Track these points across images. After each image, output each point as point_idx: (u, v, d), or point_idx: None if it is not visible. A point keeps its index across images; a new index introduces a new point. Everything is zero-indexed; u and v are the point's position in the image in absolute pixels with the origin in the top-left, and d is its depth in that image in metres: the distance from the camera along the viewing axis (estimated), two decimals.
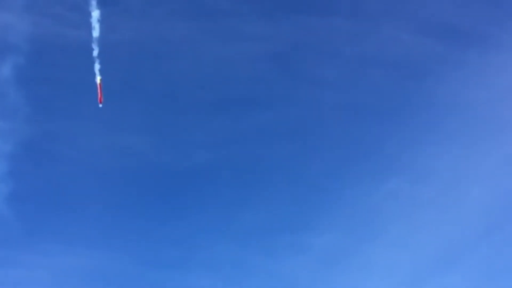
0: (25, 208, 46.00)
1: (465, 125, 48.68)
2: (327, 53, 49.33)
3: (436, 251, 46.23)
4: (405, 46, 49.89)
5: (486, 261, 44.63)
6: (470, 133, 48.42)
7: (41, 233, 44.49)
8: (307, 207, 48.17)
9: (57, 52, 44.50)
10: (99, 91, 35.73)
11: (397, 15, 50.27)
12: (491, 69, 48.88)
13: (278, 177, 48.45)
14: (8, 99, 41.95)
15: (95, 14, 32.64)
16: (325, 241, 47.56)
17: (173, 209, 47.83)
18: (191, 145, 47.89)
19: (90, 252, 46.00)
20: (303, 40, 49.64)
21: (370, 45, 50.02)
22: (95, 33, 33.02)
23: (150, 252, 47.86)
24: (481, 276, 44.28)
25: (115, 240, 46.38)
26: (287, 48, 49.73)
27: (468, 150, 47.85)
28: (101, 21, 33.51)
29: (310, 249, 47.82)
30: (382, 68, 49.35)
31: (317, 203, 48.15)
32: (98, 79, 36.09)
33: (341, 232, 47.32)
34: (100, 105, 36.35)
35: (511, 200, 45.56)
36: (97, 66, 35.47)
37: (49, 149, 45.00)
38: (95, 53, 34.32)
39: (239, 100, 49.01)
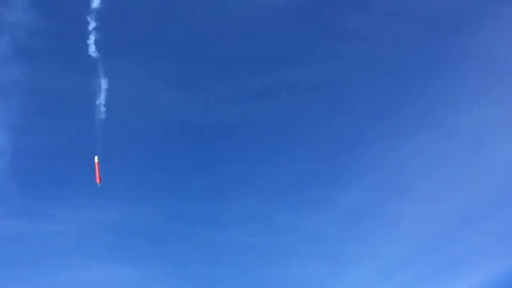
0: (55, 163, 46.71)
1: (496, 81, 47.31)
2: (355, 5, 47.95)
3: (464, 207, 45.86)
4: None
5: None
6: (502, 89, 47.16)
7: (71, 188, 45.15)
8: (334, 163, 47.97)
9: None
10: (97, 171, 36.35)
11: None
12: None
13: (305, 133, 48.00)
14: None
15: None
16: (352, 198, 47.51)
17: (201, 164, 48.08)
18: (218, 101, 47.55)
19: (119, 207, 46.93)
20: None
21: None
22: None
23: (178, 207, 48.53)
24: (510, 233, 44.03)
25: (144, 194, 47.06)
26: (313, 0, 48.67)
27: (499, 107, 46.74)
28: None
29: (337, 206, 47.89)
30: (412, 21, 47.85)
31: (344, 159, 47.85)
32: (96, 158, 36.75)
33: (368, 188, 47.13)
34: (99, 184, 36.70)
35: None
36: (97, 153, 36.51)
37: (77, 104, 44.99)
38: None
39: (265, 54, 48.07)
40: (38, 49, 43.91)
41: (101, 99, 38.53)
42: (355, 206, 47.41)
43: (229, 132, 48.38)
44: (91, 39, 37.31)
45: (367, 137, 47.62)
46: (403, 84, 48.00)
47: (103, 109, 38.77)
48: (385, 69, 48.19)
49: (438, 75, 47.92)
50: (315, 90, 48.42)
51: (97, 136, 39.99)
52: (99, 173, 36.29)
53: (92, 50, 37.50)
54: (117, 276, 48.04)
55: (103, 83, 38.00)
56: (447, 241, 46.34)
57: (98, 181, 36.61)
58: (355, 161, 47.72)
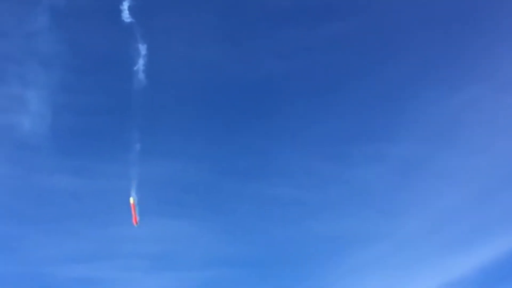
0: (107, 121, 47.75)
1: None
2: None
3: None
4: None
5: None
6: None
7: (122, 145, 46.10)
8: (382, 116, 47.81)
9: None
10: (133, 212, 37.74)
11: None
12: None
13: (353, 86, 47.78)
14: None
15: None
16: (402, 150, 47.48)
17: (249, 119, 48.69)
18: (264, 55, 47.50)
19: (170, 164, 47.97)
20: None
21: None
22: None
23: (227, 162, 49.43)
24: None
25: (193, 151, 47.87)
26: None
27: None
28: None
29: (386, 159, 48.07)
30: None
31: (393, 112, 47.72)
32: (131, 199, 37.90)
33: (418, 141, 47.00)
34: (136, 225, 38.15)
35: None
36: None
37: (119, 66, 45.69)
38: None
39: (311, 8, 47.75)
40: (76, 19, 44.87)
41: (143, 59, 39.33)
42: (404, 159, 47.60)
43: (276, 86, 48.43)
44: (125, 5, 37.90)
45: (417, 89, 47.25)
46: (454, 35, 47.12)
47: (146, 68, 39.66)
48: (435, 20, 47.28)
49: (490, 26, 46.90)
50: (361, 44, 47.73)
51: (140, 94, 41.03)
52: (135, 215, 38.09)
53: (126, 16, 37.87)
54: (168, 230, 49.71)
55: (143, 46, 38.83)
56: (499, 193, 46.41)
57: (134, 223, 38.49)
58: (405, 113, 47.55)
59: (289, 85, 48.05)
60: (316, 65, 47.84)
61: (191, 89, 47.50)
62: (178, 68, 46.60)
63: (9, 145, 46.23)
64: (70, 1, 42.91)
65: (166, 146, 46.14)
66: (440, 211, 47.13)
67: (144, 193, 46.81)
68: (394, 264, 49.50)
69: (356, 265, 49.30)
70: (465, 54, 46.86)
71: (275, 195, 49.14)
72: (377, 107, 47.77)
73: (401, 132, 47.08)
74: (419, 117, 47.06)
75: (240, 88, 48.24)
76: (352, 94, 48.05)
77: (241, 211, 50.05)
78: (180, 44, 46.61)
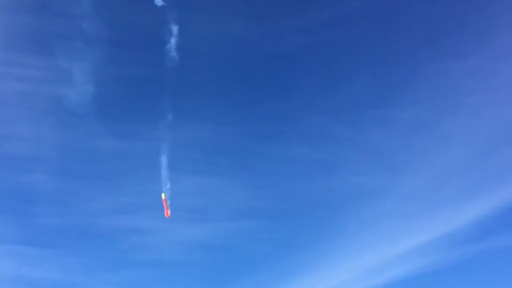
0: (145, 91, 53.66)
1: None
2: None
3: (510, 122, 50.76)
4: None
5: None
6: None
7: (159, 111, 51.93)
8: (392, 85, 52.80)
9: None
10: (165, 206, 43.37)
11: None
12: None
13: (366, 58, 52.76)
14: None
15: None
16: (408, 115, 52.50)
17: (274, 89, 54.54)
18: (288, 31, 52.29)
19: (203, 127, 53.36)
20: None
21: None
22: None
23: (254, 127, 55.05)
24: None
25: (223, 116, 53.41)
26: None
27: None
28: None
29: (394, 122, 53.38)
30: None
31: (401, 81, 52.60)
32: (163, 195, 43.63)
33: (423, 107, 51.83)
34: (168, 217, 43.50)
35: None
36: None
37: (161, 43, 51.11)
38: None
39: None
40: (115, 3, 49.89)
41: (175, 38, 44.83)
42: (410, 122, 52.69)
43: (297, 59, 53.80)
44: None
45: (422, 60, 51.76)
46: (456, 5, 51.22)
47: (178, 46, 44.97)
48: None
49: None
50: (372, 20, 52.41)
51: (173, 68, 46.59)
52: (167, 208, 43.88)
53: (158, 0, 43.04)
54: (202, 186, 56.54)
55: (175, 27, 44.07)
56: (495, 152, 51.46)
57: (166, 215, 44.31)
58: (411, 82, 52.38)
59: (309, 58, 53.12)
60: (332, 40, 52.66)
61: (220, 63, 52.36)
62: (207, 44, 50.65)
63: (59, 112, 52.44)
64: None
65: (198, 113, 52.20)
66: (442, 168, 52.56)
67: (180, 153, 52.71)
68: (400, 216, 55.32)
69: (366, 216, 55.81)
70: (466, 27, 51.05)
71: (295, 155, 55.89)
72: (385, 76, 52.74)
73: (406, 99, 51.96)
74: (424, 85, 51.74)
75: (265, 60, 53.40)
76: (365, 65, 53.15)
77: (266, 169, 55.64)
78: (208, 23, 50.89)
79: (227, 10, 51.75)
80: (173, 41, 44.48)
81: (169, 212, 43.59)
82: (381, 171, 54.09)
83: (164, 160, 49.54)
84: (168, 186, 50.69)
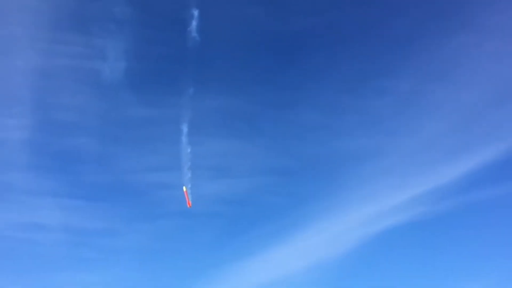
0: (171, 67, 61.09)
1: None
2: None
3: (494, 90, 58.47)
4: None
5: None
6: None
7: (184, 83, 57.54)
8: (390, 59, 60.23)
9: None
10: (186, 197, 49.99)
11: None
12: None
13: (366, 35, 59.88)
14: None
15: None
16: (404, 84, 60.32)
17: (284, 63, 62.16)
18: (297, 12, 59.80)
19: (222, 96, 61.95)
20: None
21: None
22: None
23: (267, 95, 63.83)
24: None
25: (240, 87, 61.98)
26: None
27: None
28: None
29: (391, 91, 61.10)
30: None
31: (396, 55, 60.29)
32: (184, 188, 49.71)
33: (415, 77, 60.00)
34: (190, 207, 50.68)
35: None
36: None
37: (183, 25, 55.66)
38: None
39: None
40: None
41: (196, 21, 50.70)
42: (405, 92, 60.52)
43: (307, 37, 61.17)
44: None
45: (417, 37, 58.85)
46: None
47: (199, 28, 50.87)
48: None
49: None
50: (374, 1, 60.14)
51: (194, 47, 53.21)
52: (188, 199, 50.92)
53: None
54: (223, 148, 65.34)
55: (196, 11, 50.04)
56: (477, 118, 60.21)
57: (189, 205, 51.63)
58: (406, 56, 59.35)
59: (316, 35, 60.19)
60: (337, 20, 60.05)
61: (236, 41, 59.52)
62: (224, 25, 58.02)
63: (97, 85, 60.80)
64: None
65: (218, 85, 59.58)
66: (432, 131, 61.19)
67: (203, 120, 60.77)
68: (394, 173, 63.05)
69: (365, 173, 65.17)
70: (456, 8, 57.80)
71: (304, 121, 64.42)
72: (383, 52, 59.94)
73: (402, 71, 59.84)
74: (417, 59, 58.46)
75: (278, 38, 60.96)
76: (365, 41, 59.97)
77: (278, 132, 65.13)
78: (225, 6, 57.74)
79: None
80: (194, 23, 50.78)
81: (190, 202, 51.45)
82: (379, 134, 62.17)
83: (188, 126, 57.03)
84: (189, 150, 58.45)
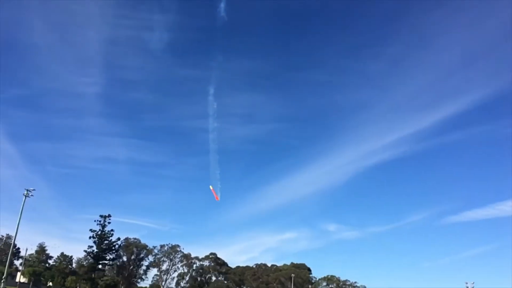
0: (207, 37, 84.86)
1: None
2: None
3: (464, 53, 76.81)
4: None
5: None
6: None
7: (217, 49, 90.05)
8: (383, 28, 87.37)
9: None
10: (214, 194, 73.25)
11: None
12: None
13: (366, 8, 71.48)
14: None
15: None
16: (392, 50, 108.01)
17: (299, 32, 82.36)
18: None
19: (247, 60, 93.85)
20: None
21: None
22: None
23: (285, 58, 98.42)
24: None
25: (263, 51, 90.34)
26: None
27: None
28: None
29: (383, 55, 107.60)
30: None
31: (388, 27, 70.86)
32: (211, 187, 78.01)
33: (404, 44, 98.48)
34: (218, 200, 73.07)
35: None
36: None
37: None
38: None
39: None
40: None
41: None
42: (395, 56, 77.61)
43: (316, 11, 74.97)
44: None
45: (405, 13, 73.03)
46: None
47: (226, 5, 67.90)
48: None
49: None
50: None
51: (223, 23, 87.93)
52: (215, 194, 71.76)
53: None
54: (248, 100, 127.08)
55: None
56: (453, 75, 75.96)
57: (217, 199, 73.82)
58: (398, 28, 72.24)
59: (323, 9, 75.29)
60: None
61: (257, 16, 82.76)
62: (247, 4, 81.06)
63: (151, 50, 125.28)
64: None
65: (243, 50, 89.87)
66: (416, 86, 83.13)
67: (231, 78, 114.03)
68: (384, 119, 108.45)
69: (361, 120, 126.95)
70: None
71: (314, 79, 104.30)
72: (379, 23, 76.32)
73: (393, 39, 76.66)
74: (406, 30, 73.83)
75: (291, 12, 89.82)
76: (363, 15, 73.62)
77: (293, 88, 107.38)
78: None
79: None
80: (222, 5, 75.71)
81: (218, 196, 72.12)
82: (372, 89, 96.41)
83: (221, 83, 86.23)
84: (215, 105, 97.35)
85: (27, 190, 56.09)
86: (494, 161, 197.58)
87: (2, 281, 51.11)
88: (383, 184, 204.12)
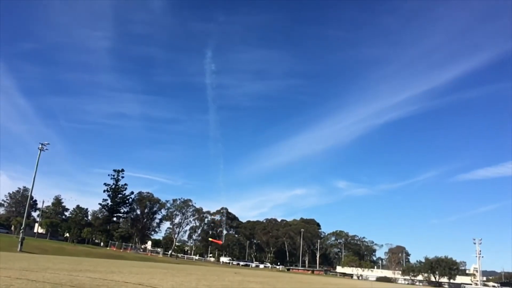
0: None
1: None
2: None
3: (481, 9, 66.99)
4: None
5: None
6: None
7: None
8: None
9: None
10: (217, 241, 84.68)
11: None
12: None
13: None
14: None
15: None
16: (407, 5, 69.99)
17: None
18: None
19: (261, 14, 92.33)
20: None
21: None
22: None
23: (300, 13, 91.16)
24: None
25: (278, 6, 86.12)
26: None
27: None
28: None
29: (398, 10, 71.52)
30: None
31: None
32: (210, 239, 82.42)
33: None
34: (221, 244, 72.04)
35: None
36: None
37: None
38: None
39: None
40: None
41: None
42: (411, 10, 77.70)
43: None
44: None
45: None
46: None
47: None
48: None
49: None
50: None
51: None
52: (218, 241, 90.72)
53: None
54: (261, 56, 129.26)
55: None
56: (469, 32, 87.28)
57: (220, 244, 78.88)
58: None
59: None
60: None
61: None
62: None
63: (162, 5, 68.20)
64: None
65: (257, 3, 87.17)
66: (430, 43, 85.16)
67: (248, 32, 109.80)
68: (398, 76, 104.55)
69: (374, 77, 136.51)
70: None
71: (327, 34, 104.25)
72: None
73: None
74: None
75: None
76: None
77: (306, 44, 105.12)
78: None
79: None
80: None
81: (221, 242, 74.49)
82: (386, 44, 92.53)
83: (234, 38, 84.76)
84: (227, 61, 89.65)
85: (42, 144, 56.76)
86: (509, 119, 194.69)
87: (21, 231, 52.78)
88: (394, 142, 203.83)
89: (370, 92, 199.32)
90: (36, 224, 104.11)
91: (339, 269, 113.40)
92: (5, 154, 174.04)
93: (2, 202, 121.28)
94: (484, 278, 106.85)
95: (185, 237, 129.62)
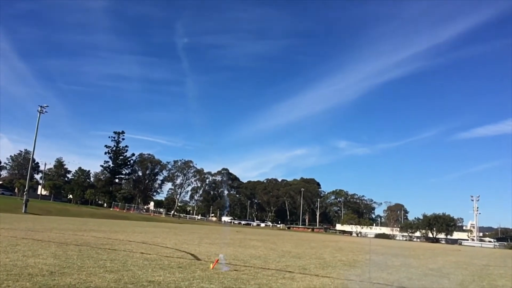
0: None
1: None
2: None
3: None
4: None
5: None
6: None
7: None
8: None
9: None
10: (215, 263, 66.30)
11: None
12: None
13: None
14: None
15: None
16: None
17: None
18: None
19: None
20: None
21: None
22: None
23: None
24: None
25: None
26: None
27: None
28: None
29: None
30: None
31: None
32: (211, 265, 67.60)
33: None
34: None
35: None
36: None
37: None
38: None
39: None
40: None
41: None
42: None
43: None
44: None
45: None
46: None
47: None
48: None
49: None
50: None
51: None
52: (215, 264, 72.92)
53: None
54: (261, 15, 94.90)
55: None
56: None
57: (214, 265, 74.28)
58: None
59: None
60: None
61: None
62: None
63: None
64: None
65: None
66: None
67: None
68: (400, 33, 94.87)
69: (377, 33, 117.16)
70: None
71: (331, 14, 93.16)
72: None
73: None
74: None
75: None
76: None
77: (312, 7, 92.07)
78: None
79: None
80: None
81: (215, 265, 78.34)
82: (390, 1, 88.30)
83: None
84: (226, 20, 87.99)
85: (41, 106, 56.47)
86: (510, 75, 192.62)
87: (25, 193, 53.40)
88: (395, 101, 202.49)
89: (372, 50, 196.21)
90: (39, 186, 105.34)
91: (338, 227, 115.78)
92: (5, 117, 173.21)
93: (4, 165, 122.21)
94: (481, 234, 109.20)
95: (187, 198, 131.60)
